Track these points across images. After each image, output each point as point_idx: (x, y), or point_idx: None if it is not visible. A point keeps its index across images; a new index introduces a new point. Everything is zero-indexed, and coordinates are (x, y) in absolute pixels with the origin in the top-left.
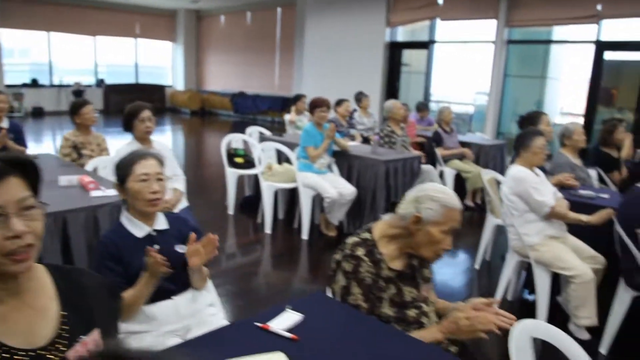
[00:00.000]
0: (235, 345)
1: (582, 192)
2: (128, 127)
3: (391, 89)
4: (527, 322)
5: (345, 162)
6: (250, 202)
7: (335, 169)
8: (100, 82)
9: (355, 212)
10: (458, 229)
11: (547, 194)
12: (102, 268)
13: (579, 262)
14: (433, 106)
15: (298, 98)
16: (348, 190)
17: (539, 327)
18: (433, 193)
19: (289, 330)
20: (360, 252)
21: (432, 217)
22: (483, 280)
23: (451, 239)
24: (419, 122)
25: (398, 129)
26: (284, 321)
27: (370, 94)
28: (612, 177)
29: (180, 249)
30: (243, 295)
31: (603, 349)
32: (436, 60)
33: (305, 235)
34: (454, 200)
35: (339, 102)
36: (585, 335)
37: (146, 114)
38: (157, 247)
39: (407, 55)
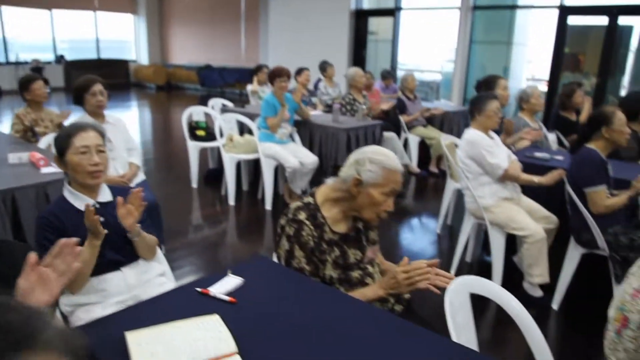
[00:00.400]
0: (174, 310)
1: (537, 154)
2: (79, 101)
3: (358, 58)
4: (464, 279)
5: (307, 131)
6: (214, 175)
7: (297, 138)
8: (60, 58)
9: (319, 180)
10: (401, 191)
11: (501, 156)
12: (43, 241)
13: (532, 222)
14: (401, 75)
15: (259, 68)
16: (310, 159)
17: (476, 282)
18: (373, 155)
19: (229, 294)
20: (302, 216)
21: (372, 179)
22: (444, 244)
23: (392, 200)
24: (383, 91)
25: (360, 97)
26: (225, 285)
27: (337, 63)
28: (570, 140)
29: None
30: (207, 266)
31: (555, 305)
32: (403, 28)
33: (268, 206)
34: (394, 162)
35: (299, 71)
36: (539, 293)
37: (97, 87)
38: (102, 219)
39: (374, 23)
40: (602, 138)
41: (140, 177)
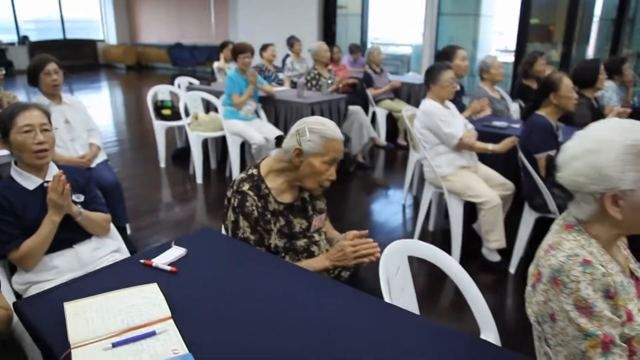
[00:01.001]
0: (117, 281)
1: (496, 123)
2: (34, 81)
3: (328, 33)
4: (400, 242)
5: (272, 107)
6: (182, 154)
7: (263, 114)
8: (23, 40)
9: None
10: (339, 160)
11: (456, 126)
12: None
13: (488, 189)
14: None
15: (225, 45)
16: (275, 134)
17: (413, 246)
18: (312, 125)
19: (171, 264)
20: (245, 187)
21: (313, 149)
22: (408, 214)
23: (334, 169)
24: (352, 65)
25: (325, 72)
26: (168, 256)
27: (306, 38)
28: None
29: (76, 198)
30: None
31: (512, 269)
32: (372, 2)
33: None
34: (333, 131)
35: (264, 47)
36: (496, 258)
37: (52, 66)
38: None
39: None
40: (550, 104)
41: (102, 157)
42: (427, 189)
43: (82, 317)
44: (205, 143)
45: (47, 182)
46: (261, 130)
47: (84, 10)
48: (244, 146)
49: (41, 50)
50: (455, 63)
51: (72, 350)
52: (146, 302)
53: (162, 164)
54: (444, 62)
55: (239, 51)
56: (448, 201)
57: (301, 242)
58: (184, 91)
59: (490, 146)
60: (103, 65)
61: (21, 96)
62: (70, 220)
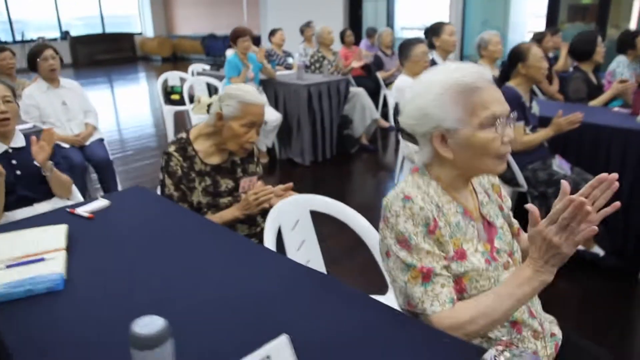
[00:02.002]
0: (38, 223)
1: None
2: (33, 67)
3: (354, 18)
4: (296, 196)
5: (272, 90)
6: None
7: (264, 96)
8: (65, 35)
9: (285, 137)
10: (259, 123)
11: None
12: None
13: None
14: (399, 33)
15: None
16: (273, 116)
17: (312, 200)
18: (232, 91)
19: (92, 212)
20: (171, 148)
21: (232, 113)
22: None
23: (254, 132)
24: (369, 48)
25: (329, 54)
26: (92, 206)
27: (332, 24)
28: (541, 87)
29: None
30: None
31: None
32: None
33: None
34: (251, 95)
35: (273, 32)
36: None
37: (49, 52)
38: (14, 162)
39: None
40: (519, 75)
41: (97, 136)
42: (405, 164)
43: None
44: None
45: (12, 148)
46: None
47: (122, 6)
48: None
49: (81, 44)
50: (442, 38)
51: None
52: (49, 237)
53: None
54: (416, 37)
55: (239, 35)
56: None
57: (225, 200)
58: (193, 77)
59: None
60: (140, 58)
61: None
62: (32, 181)
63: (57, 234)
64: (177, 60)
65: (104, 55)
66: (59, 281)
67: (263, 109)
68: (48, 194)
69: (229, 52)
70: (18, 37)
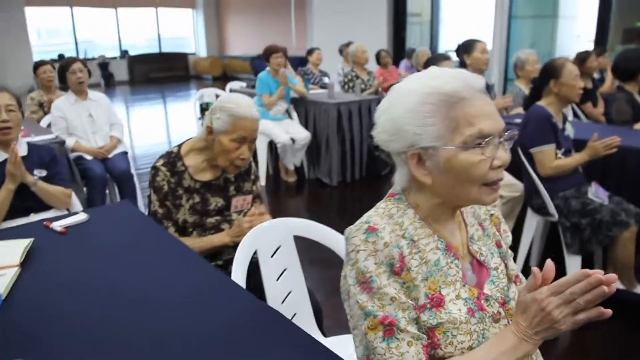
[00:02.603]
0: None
1: (518, 120)
2: (62, 79)
3: (398, 40)
4: (278, 220)
5: (302, 108)
6: None
7: (294, 115)
8: (124, 54)
9: (314, 156)
10: (251, 139)
11: None
12: None
13: None
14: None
15: (311, 52)
16: (301, 135)
17: (299, 224)
18: (224, 104)
19: (67, 227)
20: (159, 163)
21: (221, 127)
22: None
23: (247, 148)
24: (408, 69)
25: (364, 74)
26: (69, 220)
27: (376, 44)
28: (584, 109)
29: (38, 172)
30: None
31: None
32: (443, 8)
33: (262, 182)
34: (244, 109)
35: (310, 51)
36: None
37: (77, 66)
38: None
39: (414, 3)
40: (551, 93)
41: (121, 149)
42: None
43: None
44: None
45: None
46: (289, 131)
47: (179, 28)
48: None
49: (138, 63)
50: (473, 56)
51: None
52: (5, 252)
53: None
54: (441, 54)
55: (272, 52)
56: None
57: (212, 220)
58: (227, 94)
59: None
60: (193, 77)
61: (120, 104)
62: (30, 192)
63: (16, 249)
64: (227, 79)
65: (159, 73)
66: None
67: (256, 123)
68: (46, 205)
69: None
70: (81, 56)
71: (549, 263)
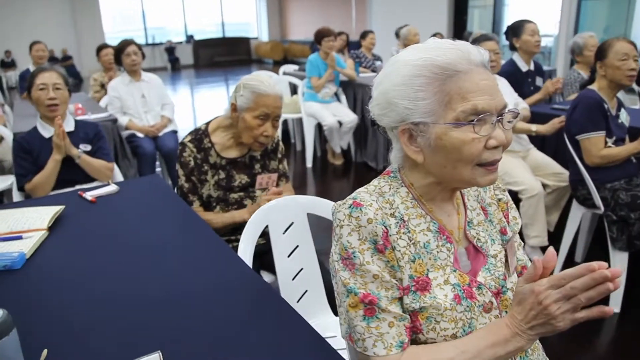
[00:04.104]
0: (47, 203)
1: (557, 106)
2: (118, 61)
3: (459, 23)
4: (289, 198)
5: (351, 91)
6: None
7: (343, 98)
8: (189, 38)
9: (361, 139)
10: (274, 116)
11: None
12: (17, 159)
13: (529, 176)
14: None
15: (364, 35)
16: (348, 118)
17: (313, 202)
18: (247, 81)
19: (98, 197)
20: (187, 139)
21: (245, 104)
22: None
23: (270, 125)
24: None
25: None
26: (101, 191)
27: (436, 29)
28: None
29: (83, 147)
30: None
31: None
32: None
33: (309, 163)
34: (266, 87)
35: (364, 35)
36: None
37: (132, 48)
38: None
39: None
40: (600, 76)
41: (170, 128)
42: None
43: None
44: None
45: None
46: (336, 113)
47: (242, 13)
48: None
49: (203, 47)
50: (523, 39)
51: None
52: (37, 217)
53: None
54: (483, 34)
55: (324, 35)
56: None
57: (235, 196)
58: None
59: (534, 127)
60: (255, 60)
61: (185, 87)
62: (76, 165)
63: (46, 214)
64: (287, 63)
65: (222, 57)
66: (17, 260)
67: (279, 100)
68: (90, 177)
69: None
70: (150, 41)
71: (550, 251)
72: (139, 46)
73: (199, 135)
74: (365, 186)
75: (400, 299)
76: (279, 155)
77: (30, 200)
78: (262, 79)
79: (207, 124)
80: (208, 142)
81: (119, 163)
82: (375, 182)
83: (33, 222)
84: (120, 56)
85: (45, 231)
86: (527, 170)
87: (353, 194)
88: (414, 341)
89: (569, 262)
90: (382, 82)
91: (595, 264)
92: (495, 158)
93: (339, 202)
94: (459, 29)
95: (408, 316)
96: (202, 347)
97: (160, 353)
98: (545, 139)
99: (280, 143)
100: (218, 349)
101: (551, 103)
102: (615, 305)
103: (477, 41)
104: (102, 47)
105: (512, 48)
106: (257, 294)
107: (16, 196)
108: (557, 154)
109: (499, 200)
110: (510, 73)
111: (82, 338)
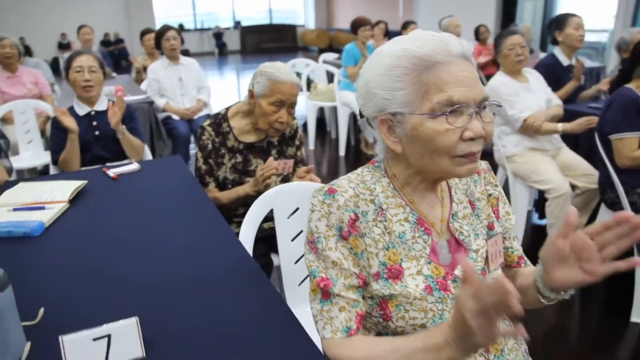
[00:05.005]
0: (72, 178)
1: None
2: (158, 45)
3: (507, 16)
4: (306, 183)
5: None
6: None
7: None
8: (237, 24)
9: None
10: (289, 103)
11: (527, 103)
12: (52, 135)
13: (557, 176)
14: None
15: (406, 25)
16: None
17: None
18: (264, 68)
19: (120, 175)
20: (206, 123)
21: (261, 91)
22: None
23: (285, 112)
24: None
25: None
26: (123, 169)
27: (484, 21)
28: None
29: None
30: None
31: None
32: None
33: (342, 152)
34: (282, 74)
35: (405, 25)
36: None
37: (171, 33)
38: (95, 123)
39: None
40: (639, 76)
41: (206, 111)
42: (500, 172)
43: (15, 192)
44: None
45: (95, 111)
46: None
47: (289, 0)
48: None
49: (250, 33)
50: (566, 32)
51: None
52: (60, 190)
53: None
54: (510, 28)
55: (360, 24)
56: (511, 185)
57: (250, 179)
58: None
59: (560, 126)
60: (300, 48)
61: (231, 72)
62: (107, 143)
63: (69, 187)
64: (332, 51)
65: (268, 43)
66: (36, 228)
67: (295, 88)
68: (120, 155)
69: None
70: (199, 26)
71: (466, 263)
72: (178, 31)
73: (218, 120)
74: (349, 174)
75: (360, 288)
76: (297, 142)
77: (58, 174)
78: (278, 67)
79: (227, 109)
80: (227, 126)
81: (154, 144)
82: (359, 170)
83: (56, 195)
84: (160, 40)
85: (66, 203)
86: (556, 169)
87: (334, 180)
88: (385, 328)
89: None
90: (366, 72)
91: (504, 279)
92: (472, 150)
93: (318, 188)
94: (507, 22)
95: (362, 304)
96: (176, 316)
97: (137, 318)
98: (578, 138)
99: (300, 130)
100: (191, 316)
101: (582, 97)
102: (637, 315)
103: (501, 36)
104: (145, 32)
105: (554, 42)
106: (246, 276)
107: (52, 170)
108: (591, 154)
109: (489, 195)
110: (550, 67)
111: (77, 301)
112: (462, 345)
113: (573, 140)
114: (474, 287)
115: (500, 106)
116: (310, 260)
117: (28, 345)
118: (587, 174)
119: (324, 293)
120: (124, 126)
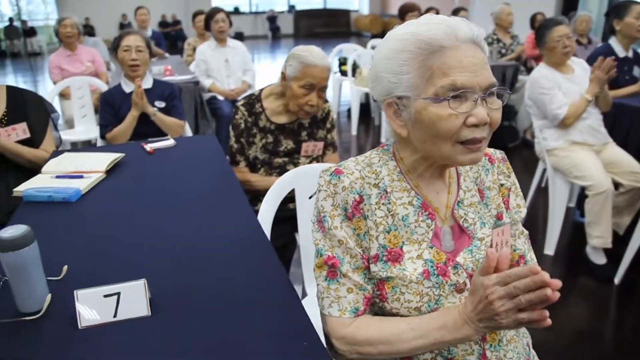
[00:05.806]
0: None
1: None
2: (207, 27)
3: (569, 3)
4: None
5: None
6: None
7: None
8: (291, 8)
9: None
10: (319, 86)
11: (570, 96)
12: (101, 111)
13: (598, 172)
14: None
15: (456, 11)
16: None
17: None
18: (297, 52)
19: (156, 150)
20: (240, 103)
21: (293, 73)
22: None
23: (315, 95)
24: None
25: (506, 37)
26: (159, 144)
27: (543, 8)
28: None
29: (158, 103)
30: None
31: (617, 278)
32: None
33: (383, 139)
34: (314, 58)
35: (455, 12)
36: (601, 260)
37: (220, 16)
38: None
39: None
40: None
41: (249, 92)
42: (540, 166)
43: (60, 161)
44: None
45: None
46: None
47: None
48: None
49: (303, 17)
50: (625, 21)
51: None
52: (99, 161)
53: (334, 114)
54: (555, 18)
55: (407, 10)
56: (551, 180)
57: (279, 160)
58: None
59: (586, 95)
60: (353, 33)
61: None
62: (151, 121)
63: (107, 159)
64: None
65: (322, 28)
66: (73, 194)
67: (326, 72)
68: (161, 132)
69: None
70: (253, 9)
71: (503, 252)
72: (227, 14)
73: (252, 100)
74: (357, 156)
75: (366, 270)
76: (328, 125)
77: (101, 147)
78: (310, 51)
79: (262, 90)
80: (259, 106)
81: (198, 122)
82: (368, 153)
83: (95, 165)
84: (209, 22)
85: (102, 173)
86: (598, 165)
87: (341, 162)
88: (381, 309)
89: (633, 271)
90: (375, 56)
91: (537, 268)
92: (475, 136)
93: (325, 168)
94: (567, 9)
95: (369, 288)
96: (184, 282)
97: (145, 280)
98: (628, 135)
99: (332, 113)
100: (198, 283)
101: None
102: None
103: (545, 27)
104: (197, 14)
105: (612, 31)
106: (255, 250)
107: (99, 143)
108: (636, 151)
109: (502, 185)
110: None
111: (99, 262)
112: (483, 325)
113: (622, 137)
114: (501, 275)
115: (510, 93)
116: (317, 239)
117: (49, 296)
118: (633, 172)
119: (331, 271)
120: (156, 107)
